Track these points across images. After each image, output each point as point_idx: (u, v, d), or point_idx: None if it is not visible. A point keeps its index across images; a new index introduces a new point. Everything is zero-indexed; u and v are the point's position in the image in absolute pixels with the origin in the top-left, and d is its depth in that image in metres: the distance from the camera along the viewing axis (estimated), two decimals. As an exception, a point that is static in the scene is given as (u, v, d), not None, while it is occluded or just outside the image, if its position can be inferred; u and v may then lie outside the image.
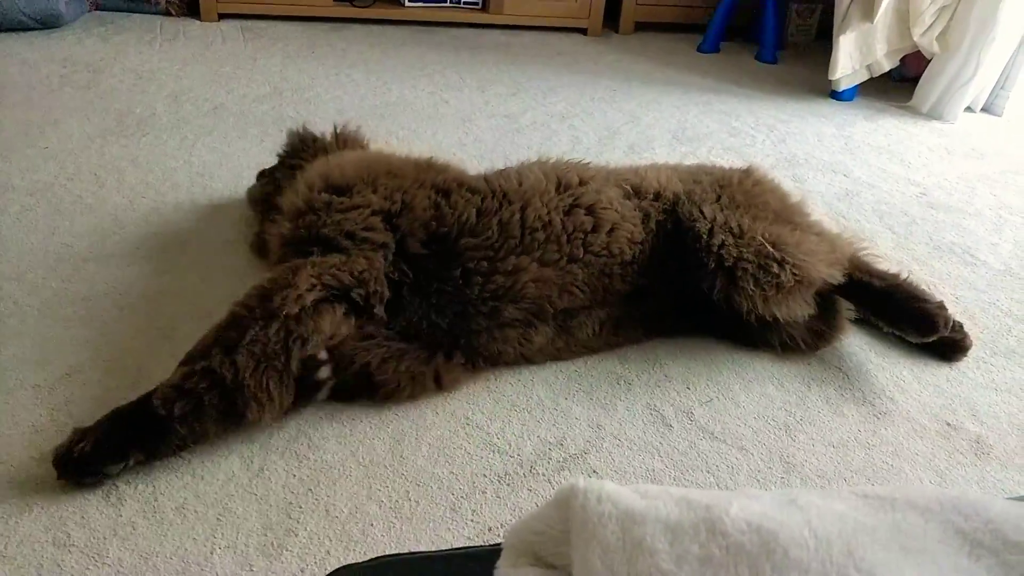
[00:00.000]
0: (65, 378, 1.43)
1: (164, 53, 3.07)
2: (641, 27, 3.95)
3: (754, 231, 1.57)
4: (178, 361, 1.30)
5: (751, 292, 1.52)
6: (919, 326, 1.61)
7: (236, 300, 1.35)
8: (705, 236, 1.57)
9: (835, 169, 2.63)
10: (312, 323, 1.32)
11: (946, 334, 1.64)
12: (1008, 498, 0.69)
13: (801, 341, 1.66)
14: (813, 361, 1.68)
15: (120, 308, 1.63)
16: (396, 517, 1.24)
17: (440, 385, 1.46)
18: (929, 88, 3.16)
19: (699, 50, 3.75)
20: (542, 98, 3.00)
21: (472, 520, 1.25)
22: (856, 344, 1.74)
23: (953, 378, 1.66)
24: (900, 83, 3.45)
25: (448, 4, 3.67)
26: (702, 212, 1.60)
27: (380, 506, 1.25)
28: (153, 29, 3.30)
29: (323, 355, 1.37)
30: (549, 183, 1.60)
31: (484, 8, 3.72)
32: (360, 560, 0.84)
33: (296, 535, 1.19)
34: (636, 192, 1.65)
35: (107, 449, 1.21)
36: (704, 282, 1.57)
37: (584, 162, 1.74)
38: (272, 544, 1.17)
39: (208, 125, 2.50)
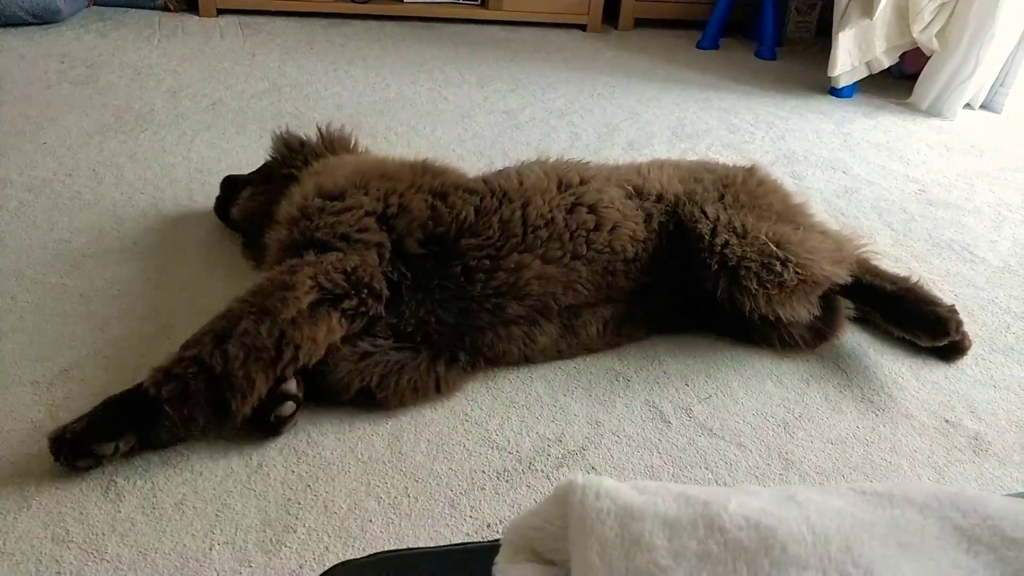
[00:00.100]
0: (63, 374, 1.43)
1: (162, 49, 3.06)
2: (640, 23, 3.94)
3: (758, 230, 1.57)
4: (176, 356, 1.30)
5: (754, 291, 1.52)
6: (930, 330, 1.62)
7: (236, 296, 1.36)
8: (708, 236, 1.57)
9: (834, 166, 2.63)
10: (307, 330, 1.32)
11: (957, 339, 1.65)
12: (1006, 494, 0.69)
13: (800, 339, 1.66)
14: (812, 358, 1.68)
15: (118, 304, 1.63)
16: (395, 513, 1.24)
17: (440, 391, 1.46)
18: (928, 85, 3.16)
19: (698, 47, 3.74)
20: (541, 94, 3.00)
21: (471, 516, 1.25)
22: (855, 341, 1.74)
23: (952, 375, 1.66)
24: (899, 80, 3.44)
25: (447, 0, 3.66)
26: (704, 212, 1.60)
27: (379, 502, 1.25)
28: (151, 25, 3.29)
29: (291, 386, 1.35)
30: (550, 182, 1.60)
31: (483, 4, 3.71)
32: (359, 556, 0.84)
33: (295, 531, 1.19)
34: (638, 193, 1.65)
35: (99, 429, 1.22)
36: (707, 282, 1.57)
37: (584, 161, 1.74)
38: (271, 540, 1.17)
39: (207, 121, 2.49)
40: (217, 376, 1.25)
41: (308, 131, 1.89)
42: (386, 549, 1.15)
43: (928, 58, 3.16)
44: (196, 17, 3.43)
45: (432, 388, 1.44)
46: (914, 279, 1.69)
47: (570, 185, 1.61)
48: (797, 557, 0.51)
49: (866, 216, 2.30)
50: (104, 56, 2.93)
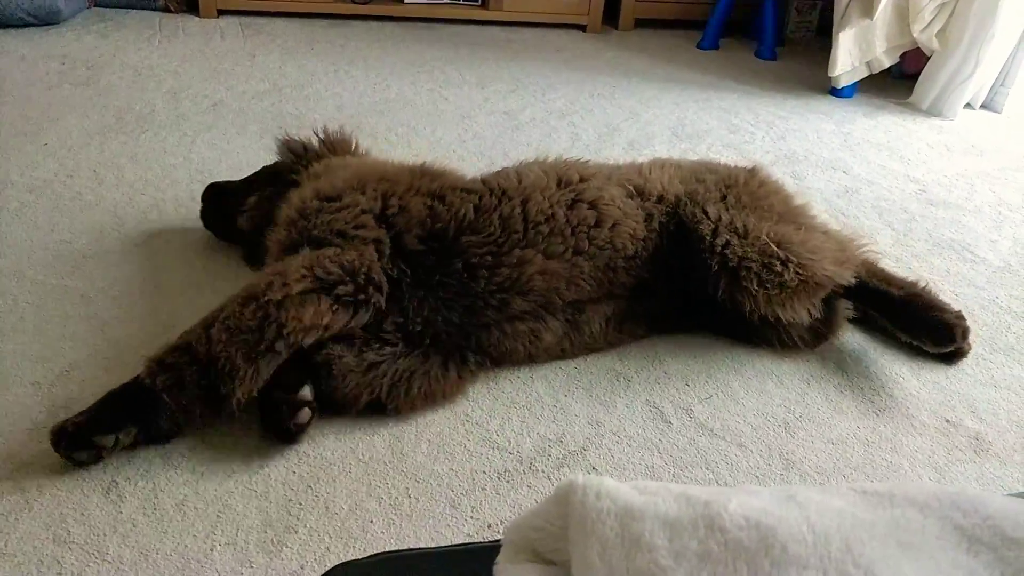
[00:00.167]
0: (64, 375, 1.43)
1: (163, 49, 3.07)
2: (641, 24, 3.94)
3: (759, 231, 1.56)
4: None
5: (755, 292, 1.52)
6: (936, 336, 1.62)
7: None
8: (709, 237, 1.57)
9: (834, 166, 2.63)
10: (293, 311, 1.31)
11: (963, 345, 1.65)
12: (1007, 494, 0.69)
13: (799, 339, 1.66)
14: (812, 359, 1.68)
15: (119, 305, 1.63)
16: (396, 514, 1.24)
17: (448, 396, 1.46)
18: (929, 85, 3.16)
19: (698, 47, 3.74)
20: (541, 95, 3.00)
21: (472, 517, 1.25)
22: (855, 341, 1.74)
23: (952, 375, 1.66)
24: (900, 80, 3.44)
25: (447, 1, 3.67)
26: (706, 213, 1.60)
27: (380, 503, 1.25)
28: (152, 25, 3.29)
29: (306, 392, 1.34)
30: (550, 180, 1.60)
31: (483, 5, 3.71)
32: (360, 557, 0.84)
33: (296, 532, 1.19)
34: (639, 193, 1.65)
35: (99, 421, 1.24)
36: (708, 282, 1.57)
37: (583, 160, 1.74)
38: (272, 541, 1.17)
39: (207, 122, 2.50)
40: (203, 361, 1.27)
41: (309, 132, 1.89)
42: (387, 550, 1.15)
43: (928, 58, 3.16)
44: (196, 18, 3.43)
45: (441, 393, 1.44)
46: (922, 284, 1.68)
47: (570, 183, 1.61)
48: (797, 557, 0.51)
49: (866, 216, 2.30)
50: (105, 57, 2.93)
